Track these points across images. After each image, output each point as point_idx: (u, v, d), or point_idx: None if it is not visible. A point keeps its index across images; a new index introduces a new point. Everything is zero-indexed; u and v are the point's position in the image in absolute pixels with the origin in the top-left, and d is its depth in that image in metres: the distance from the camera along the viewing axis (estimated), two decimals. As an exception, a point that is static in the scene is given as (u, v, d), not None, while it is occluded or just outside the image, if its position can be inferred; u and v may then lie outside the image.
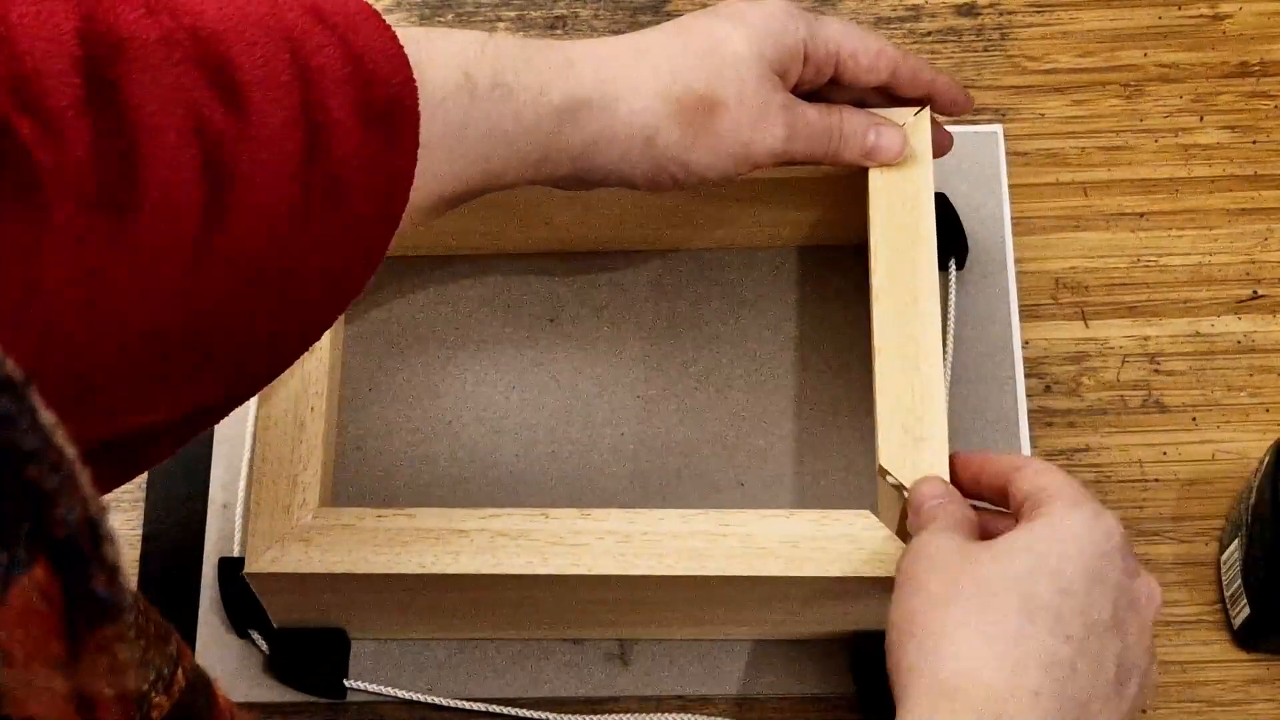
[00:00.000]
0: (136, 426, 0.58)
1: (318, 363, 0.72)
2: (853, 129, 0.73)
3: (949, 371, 0.80)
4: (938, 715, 0.58)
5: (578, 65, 0.66)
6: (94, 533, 0.35)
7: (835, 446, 0.79)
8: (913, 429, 0.69)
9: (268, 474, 0.70)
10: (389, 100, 0.59)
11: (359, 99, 0.58)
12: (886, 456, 0.69)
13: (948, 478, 0.68)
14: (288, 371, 0.72)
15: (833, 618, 0.73)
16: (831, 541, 0.69)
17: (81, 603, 0.35)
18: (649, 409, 0.80)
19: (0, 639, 0.34)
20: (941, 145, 0.76)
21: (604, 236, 0.82)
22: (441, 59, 0.62)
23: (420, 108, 0.60)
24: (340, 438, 0.79)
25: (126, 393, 0.56)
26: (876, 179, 0.74)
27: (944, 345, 0.80)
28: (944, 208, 0.81)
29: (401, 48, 0.60)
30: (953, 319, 0.81)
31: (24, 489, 0.34)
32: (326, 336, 0.73)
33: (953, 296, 0.81)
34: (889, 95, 0.74)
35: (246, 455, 0.78)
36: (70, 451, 0.35)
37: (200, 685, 0.45)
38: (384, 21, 0.60)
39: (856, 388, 0.79)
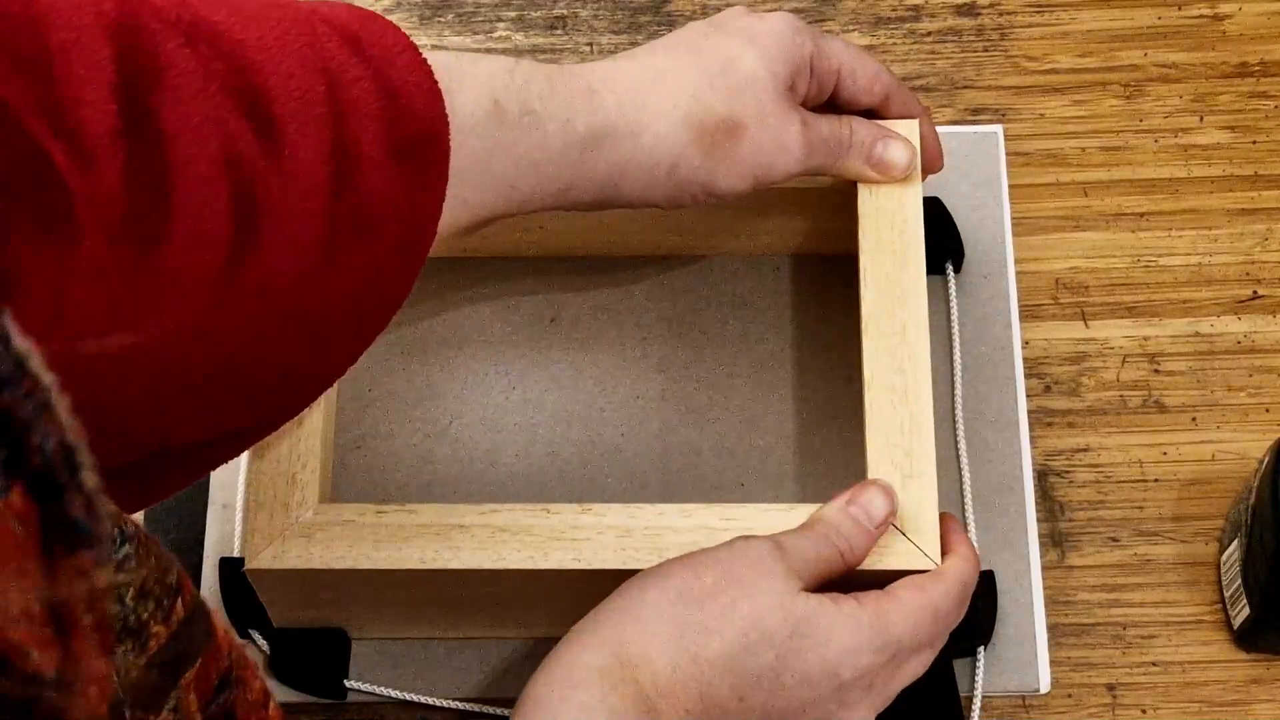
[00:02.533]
0: (159, 450, 0.58)
1: None
2: (860, 140, 0.73)
3: (958, 378, 0.80)
4: (612, 675, 0.61)
5: (600, 92, 0.66)
6: (71, 460, 0.35)
7: (835, 447, 0.79)
8: (902, 465, 0.69)
9: (267, 472, 0.70)
10: (421, 135, 0.59)
11: (391, 134, 0.58)
12: None
13: (935, 516, 0.68)
14: None
15: None
16: None
17: (59, 529, 0.35)
18: (649, 409, 0.80)
19: None
20: (933, 163, 0.76)
21: (600, 242, 0.82)
22: (472, 86, 0.62)
23: (450, 137, 0.60)
24: (340, 437, 0.80)
25: (147, 419, 0.56)
26: (866, 199, 0.74)
27: (951, 355, 0.80)
28: (938, 212, 0.81)
29: (436, 83, 0.60)
30: (955, 323, 0.81)
31: None
32: None
33: (953, 300, 0.81)
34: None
35: (245, 454, 0.78)
36: (47, 379, 0.35)
37: (199, 616, 0.46)
38: (420, 55, 0.60)
39: (855, 389, 0.79)
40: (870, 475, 0.69)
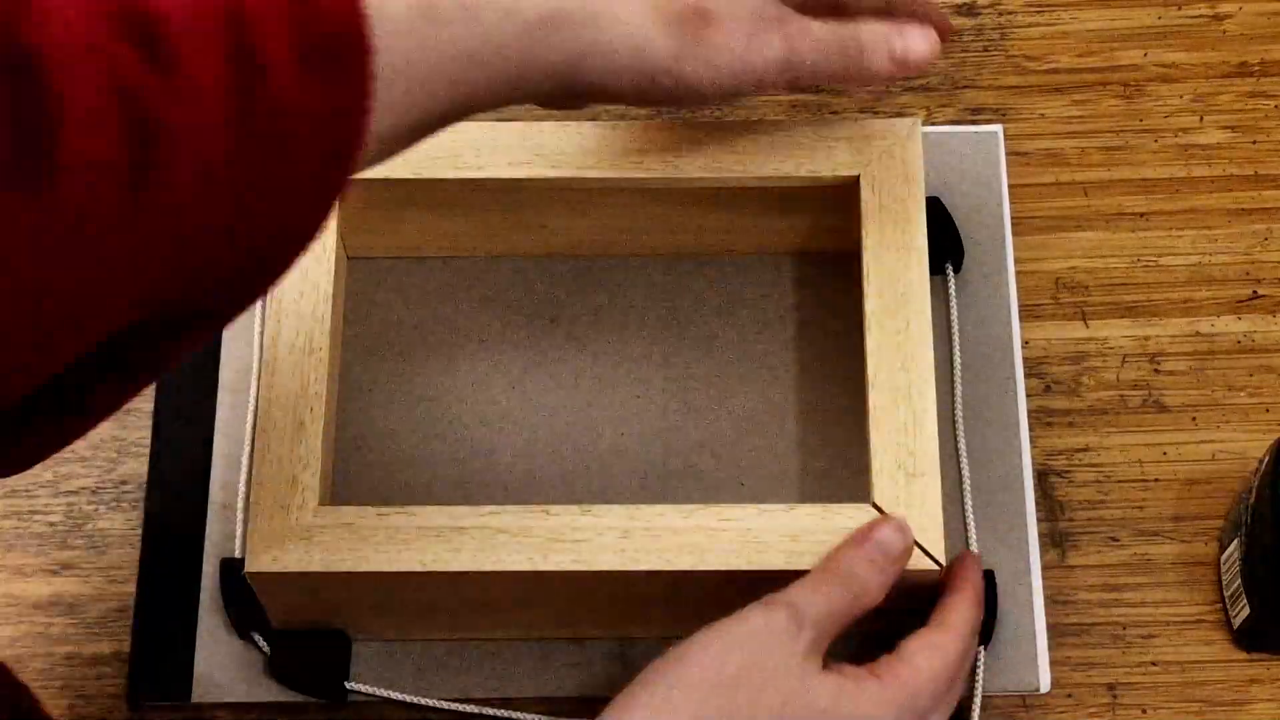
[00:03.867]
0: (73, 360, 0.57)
1: (317, 364, 0.72)
2: (873, 37, 0.69)
3: (958, 378, 0.80)
4: None
5: None
6: None
7: (837, 447, 0.79)
8: (905, 464, 0.69)
9: (267, 474, 0.70)
10: (334, 35, 0.56)
11: (298, 37, 0.55)
12: (879, 493, 0.69)
13: (939, 515, 0.68)
14: (286, 373, 0.72)
15: None
16: (832, 535, 0.69)
17: None
18: (650, 409, 0.80)
19: None
20: (944, 35, 0.72)
21: (600, 242, 0.82)
22: None
23: (375, 39, 0.56)
24: (340, 438, 0.80)
25: (56, 336, 0.54)
26: (868, 197, 0.74)
27: (951, 355, 0.80)
28: (939, 212, 0.81)
29: None
30: (956, 323, 0.81)
31: None
32: (326, 338, 0.73)
33: (953, 302, 0.81)
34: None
35: (246, 456, 0.78)
36: None
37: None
38: None
39: (858, 388, 0.79)
40: (874, 473, 0.69)
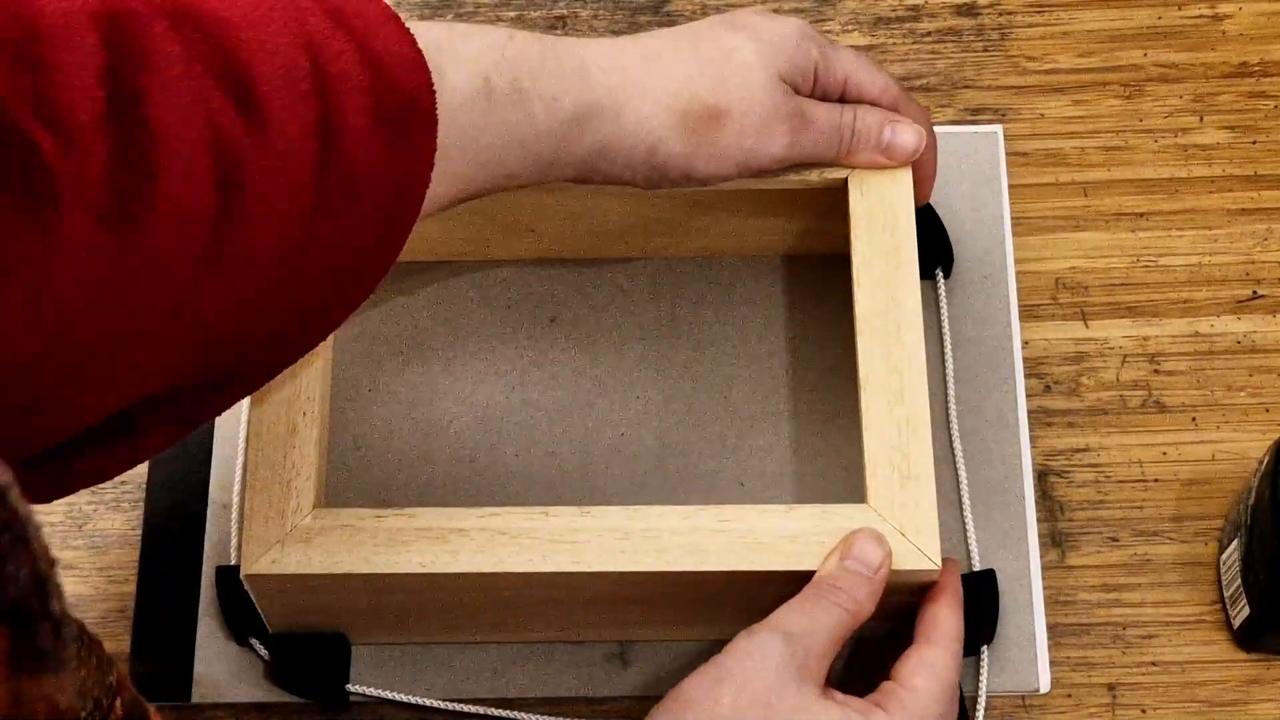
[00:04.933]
0: (140, 402, 0.58)
1: (310, 369, 0.72)
2: (866, 126, 0.73)
3: (950, 383, 0.80)
4: None
5: (590, 71, 0.67)
6: (42, 589, 0.37)
7: (835, 446, 0.79)
8: (900, 466, 0.69)
9: (261, 480, 0.70)
10: (406, 105, 0.60)
11: (376, 105, 0.59)
12: (874, 496, 0.69)
13: (934, 516, 0.69)
14: (280, 377, 0.72)
15: None
16: (831, 536, 0.69)
17: (27, 654, 0.37)
18: (649, 409, 0.80)
19: None
20: (924, 185, 0.76)
21: (591, 245, 0.82)
22: (462, 63, 0.62)
23: (438, 112, 0.61)
24: (339, 438, 0.79)
25: (127, 379, 0.56)
26: (857, 200, 0.74)
27: (943, 359, 0.80)
28: (929, 217, 0.81)
29: (420, 53, 0.60)
30: (947, 329, 0.81)
31: None
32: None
33: (944, 306, 0.81)
34: None
35: (240, 462, 0.77)
36: (22, 510, 0.37)
37: (137, 715, 0.46)
38: (403, 26, 0.61)
39: (852, 389, 0.79)
40: (869, 476, 0.69)
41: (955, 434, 0.79)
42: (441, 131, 0.61)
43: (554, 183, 0.69)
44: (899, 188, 0.74)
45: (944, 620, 0.70)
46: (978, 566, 0.77)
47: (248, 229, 0.56)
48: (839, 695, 0.66)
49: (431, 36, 0.62)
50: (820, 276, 0.83)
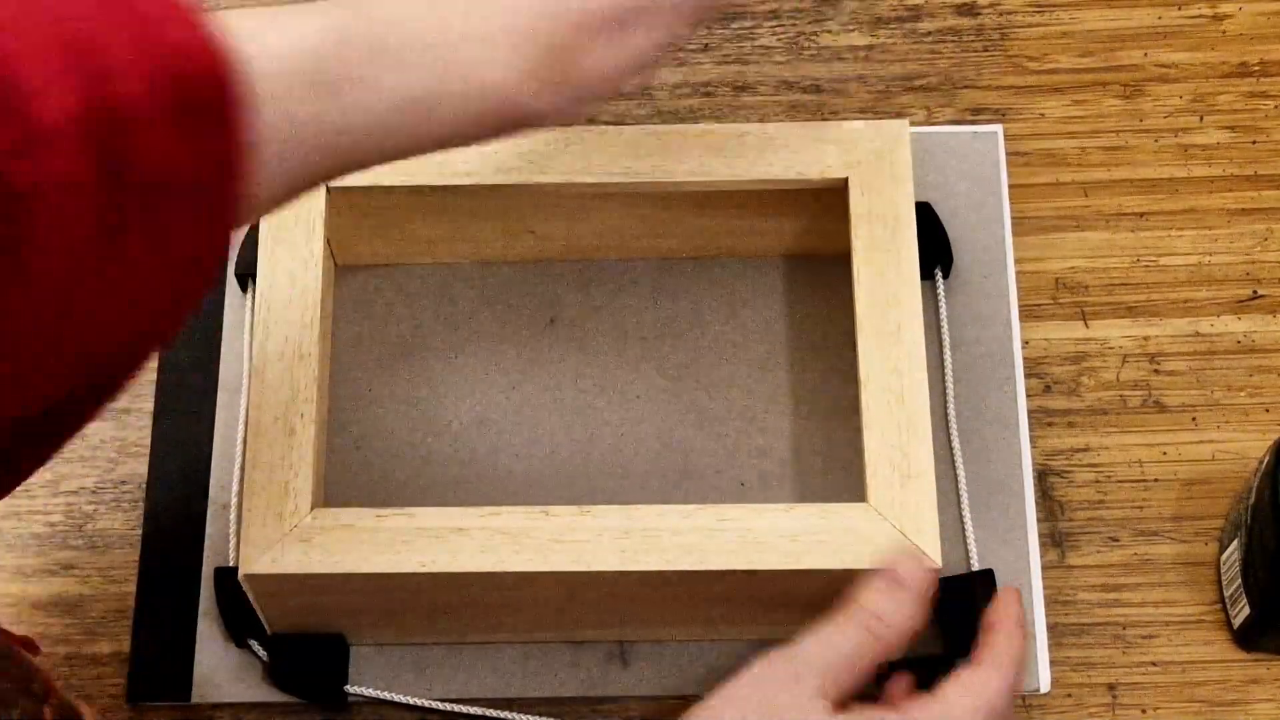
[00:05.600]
0: None
1: (306, 370, 0.72)
2: None
3: (950, 383, 0.80)
4: None
5: (436, 49, 0.60)
6: None
7: (836, 446, 0.79)
8: (900, 466, 0.69)
9: (259, 481, 0.70)
10: (202, 100, 0.54)
11: (163, 101, 0.53)
12: (874, 495, 0.69)
13: (934, 516, 0.68)
14: (277, 379, 0.71)
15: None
16: (831, 535, 0.69)
17: None
18: (649, 409, 0.80)
19: None
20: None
21: (590, 247, 0.82)
22: (281, 49, 0.57)
23: (250, 98, 0.55)
24: (340, 438, 0.80)
25: None
26: (857, 199, 0.74)
27: (942, 359, 0.80)
28: (928, 217, 0.81)
29: (216, 43, 0.54)
30: (946, 329, 0.81)
31: None
32: (316, 345, 0.73)
33: (943, 306, 0.81)
34: None
35: (238, 463, 0.77)
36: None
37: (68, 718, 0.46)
38: (199, 14, 0.55)
39: (853, 389, 0.79)
40: (869, 475, 0.69)
41: (954, 434, 0.79)
42: (262, 122, 0.55)
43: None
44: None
45: (998, 644, 0.68)
46: (977, 566, 0.77)
47: (36, 244, 0.50)
48: (855, 707, 0.65)
49: (246, 25, 0.56)
50: (819, 277, 0.83)
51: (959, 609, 0.74)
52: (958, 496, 0.78)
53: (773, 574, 0.69)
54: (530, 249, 0.82)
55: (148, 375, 0.81)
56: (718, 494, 0.78)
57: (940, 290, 0.81)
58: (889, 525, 0.69)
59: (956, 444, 0.79)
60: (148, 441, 0.80)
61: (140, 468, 0.80)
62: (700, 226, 0.81)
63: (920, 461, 0.70)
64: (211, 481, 0.79)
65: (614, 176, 0.75)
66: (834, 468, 0.79)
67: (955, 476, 0.78)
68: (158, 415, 0.81)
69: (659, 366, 0.81)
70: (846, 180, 0.75)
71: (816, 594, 0.70)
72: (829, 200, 0.76)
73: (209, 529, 0.78)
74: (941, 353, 0.81)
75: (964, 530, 0.77)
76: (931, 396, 0.73)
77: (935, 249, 0.81)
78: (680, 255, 0.83)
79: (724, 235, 0.81)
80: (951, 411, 0.79)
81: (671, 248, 0.82)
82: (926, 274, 0.81)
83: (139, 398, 0.81)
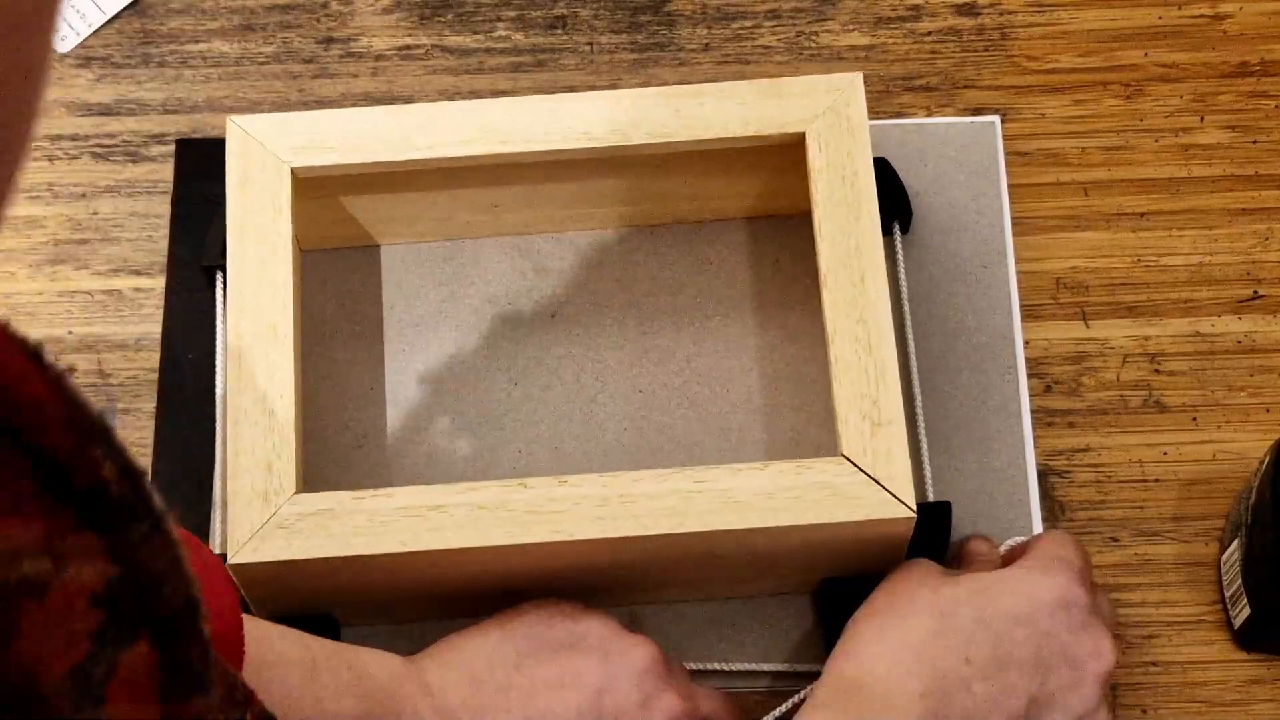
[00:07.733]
0: None
1: (281, 351, 0.72)
2: None
3: (909, 334, 0.80)
4: (837, 703, 0.67)
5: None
6: (193, 612, 0.38)
7: (808, 402, 0.80)
8: (870, 414, 0.70)
9: (242, 465, 0.70)
10: None
11: None
12: (847, 444, 0.69)
13: (907, 461, 0.70)
14: (252, 366, 0.71)
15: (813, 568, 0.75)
16: (806, 490, 0.69)
17: (177, 676, 0.37)
18: (618, 376, 0.81)
19: (107, 710, 0.35)
20: None
21: (555, 218, 0.82)
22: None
23: None
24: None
25: None
26: (815, 155, 0.74)
27: (901, 316, 0.80)
28: (885, 172, 0.81)
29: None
30: (904, 285, 0.81)
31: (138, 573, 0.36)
32: (290, 328, 0.73)
33: (899, 260, 0.81)
34: None
35: (219, 453, 0.77)
36: (175, 535, 0.38)
37: None
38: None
39: (823, 344, 0.80)
40: (840, 425, 0.71)
41: (916, 387, 0.79)
42: None
43: None
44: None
45: (1048, 535, 0.74)
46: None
47: None
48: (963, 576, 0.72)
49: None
50: (785, 235, 0.83)
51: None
52: (917, 446, 0.78)
53: (752, 531, 0.69)
54: (493, 225, 0.82)
55: (148, 375, 0.81)
56: (693, 456, 0.78)
57: (898, 245, 0.81)
58: (863, 476, 0.69)
59: (918, 396, 0.79)
60: (148, 441, 0.80)
61: (141, 466, 0.80)
62: (663, 190, 0.81)
63: (890, 409, 0.70)
64: (216, 479, 0.79)
65: (573, 143, 0.76)
66: (809, 424, 0.79)
67: (917, 427, 0.79)
68: (158, 415, 0.81)
69: (661, 362, 0.81)
70: (804, 135, 0.75)
71: (799, 546, 0.71)
72: (790, 157, 0.76)
73: (210, 528, 0.78)
74: (901, 308, 0.80)
75: (922, 477, 0.78)
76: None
77: (893, 205, 0.81)
78: (645, 223, 0.83)
79: (686, 200, 0.82)
80: (914, 365, 0.79)
81: (635, 214, 0.82)
82: (885, 229, 0.81)
83: (139, 398, 0.81)
